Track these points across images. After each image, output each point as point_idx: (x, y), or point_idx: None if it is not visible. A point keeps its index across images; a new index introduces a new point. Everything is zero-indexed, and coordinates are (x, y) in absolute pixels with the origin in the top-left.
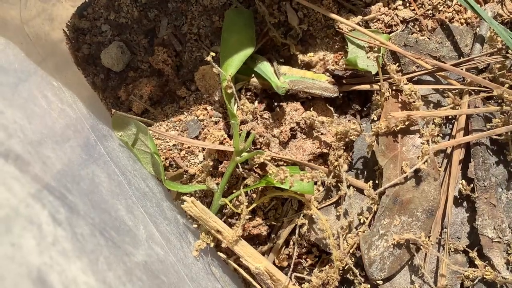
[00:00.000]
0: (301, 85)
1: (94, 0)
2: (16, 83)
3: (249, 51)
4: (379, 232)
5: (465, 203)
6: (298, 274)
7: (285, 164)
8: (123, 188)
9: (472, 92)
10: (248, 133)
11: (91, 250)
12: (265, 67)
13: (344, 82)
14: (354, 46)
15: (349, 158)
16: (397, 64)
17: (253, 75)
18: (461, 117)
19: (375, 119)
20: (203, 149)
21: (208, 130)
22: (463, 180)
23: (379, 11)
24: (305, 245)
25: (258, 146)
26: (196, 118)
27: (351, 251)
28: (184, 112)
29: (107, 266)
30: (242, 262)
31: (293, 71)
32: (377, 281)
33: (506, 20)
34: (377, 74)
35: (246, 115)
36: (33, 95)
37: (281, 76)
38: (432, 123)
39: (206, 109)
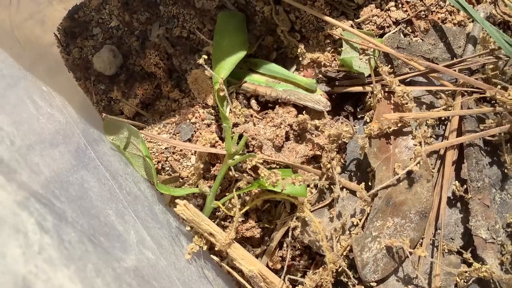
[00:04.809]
0: (294, 96)
1: (85, 3)
2: (4, 89)
3: (241, 54)
4: (372, 234)
5: (458, 204)
6: (292, 277)
7: (278, 166)
8: (113, 192)
9: (465, 93)
10: (241, 136)
11: (79, 257)
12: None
13: (336, 83)
14: (348, 47)
15: (342, 160)
16: (390, 65)
17: (245, 79)
18: (454, 118)
19: (368, 120)
20: (196, 152)
21: (201, 133)
22: (457, 181)
23: (371, 13)
24: (299, 247)
25: (251, 149)
26: (188, 121)
27: (344, 253)
28: (176, 115)
29: (95, 273)
30: (236, 265)
31: (288, 82)
32: (371, 283)
33: (499, 21)
34: (369, 75)
35: (239, 118)
36: (22, 101)
37: (276, 85)
38: (425, 125)
39: (198, 112)
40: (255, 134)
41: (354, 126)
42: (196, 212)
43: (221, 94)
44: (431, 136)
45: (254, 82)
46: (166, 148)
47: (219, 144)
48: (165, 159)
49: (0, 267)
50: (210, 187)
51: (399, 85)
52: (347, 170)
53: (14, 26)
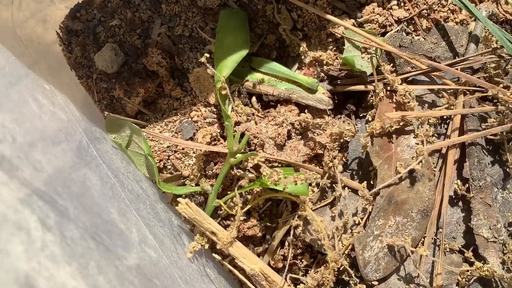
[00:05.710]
0: (296, 95)
1: (88, 2)
2: (6, 87)
3: (243, 52)
4: (374, 233)
5: (460, 203)
6: (293, 275)
7: (280, 165)
8: (115, 190)
9: (467, 92)
10: (242, 135)
11: (81, 254)
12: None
13: (338, 82)
14: (350, 45)
15: (344, 159)
16: (392, 64)
17: (247, 77)
18: (456, 117)
19: (370, 119)
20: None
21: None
22: (458, 180)
23: (374, 12)
24: (300, 246)
25: (253, 148)
26: (190, 119)
27: (346, 252)
28: (178, 114)
29: (97, 270)
30: (237, 263)
31: (290, 81)
32: (372, 282)
33: (502, 19)
34: (372, 74)
35: (241, 116)
36: (24, 99)
37: (278, 83)
38: (427, 123)
39: (200, 110)
40: (257, 133)
41: (356, 124)
42: (198, 210)
43: (223, 92)
44: (433, 135)
45: (256, 80)
46: (168, 147)
47: (221, 143)
48: (167, 157)
49: (3, 264)
50: (212, 185)
51: (401, 84)
52: (349, 169)
53: (16, 24)
